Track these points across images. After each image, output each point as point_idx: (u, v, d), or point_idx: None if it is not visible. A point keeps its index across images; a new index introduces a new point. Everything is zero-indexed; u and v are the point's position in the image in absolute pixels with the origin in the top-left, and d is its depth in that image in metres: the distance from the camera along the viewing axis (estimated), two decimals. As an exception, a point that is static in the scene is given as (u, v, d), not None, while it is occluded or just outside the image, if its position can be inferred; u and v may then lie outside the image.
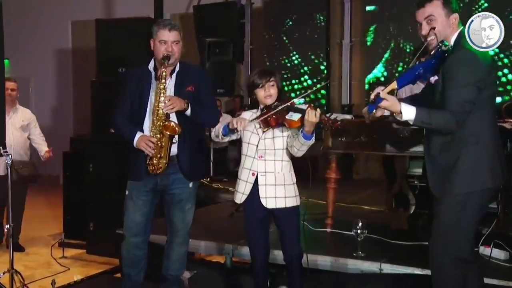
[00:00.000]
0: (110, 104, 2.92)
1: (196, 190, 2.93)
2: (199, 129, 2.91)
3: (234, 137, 2.57)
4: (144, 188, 2.79)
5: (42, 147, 4.81)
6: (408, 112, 2.16)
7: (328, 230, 3.71)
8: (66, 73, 8.91)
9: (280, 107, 2.46)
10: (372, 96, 2.15)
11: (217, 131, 2.62)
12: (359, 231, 3.06)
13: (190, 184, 2.85)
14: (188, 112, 2.71)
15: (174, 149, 2.74)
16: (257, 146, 2.54)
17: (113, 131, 2.97)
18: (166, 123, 2.66)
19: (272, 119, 2.47)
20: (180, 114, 2.71)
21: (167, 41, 2.69)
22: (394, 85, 2.17)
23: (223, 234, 3.66)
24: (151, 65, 2.79)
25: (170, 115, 2.69)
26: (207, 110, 2.80)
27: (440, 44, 2.18)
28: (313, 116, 2.33)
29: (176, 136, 2.71)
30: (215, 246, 3.46)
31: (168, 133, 2.66)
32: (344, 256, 3.09)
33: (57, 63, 9.04)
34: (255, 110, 2.64)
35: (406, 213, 3.69)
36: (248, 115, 2.63)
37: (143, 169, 2.74)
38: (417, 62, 2.19)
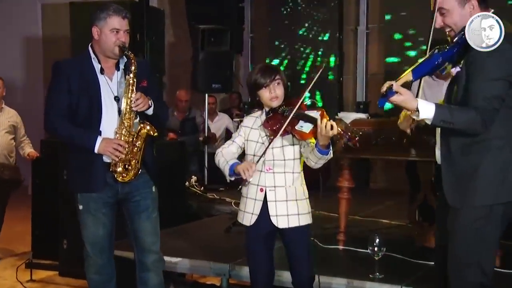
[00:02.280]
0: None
1: (158, 195, 2.95)
2: None
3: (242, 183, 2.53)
4: (103, 199, 2.80)
5: (27, 149, 4.94)
6: (426, 110, 2.14)
7: (341, 247, 3.72)
8: (36, 65, 8.93)
9: (289, 116, 2.44)
10: (384, 89, 2.14)
11: (218, 163, 2.60)
12: (376, 249, 3.07)
13: (153, 188, 2.89)
14: (151, 110, 2.75)
15: None
16: (261, 156, 2.54)
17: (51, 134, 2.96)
18: (143, 124, 2.72)
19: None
20: (141, 112, 2.76)
21: (120, 30, 2.71)
22: (408, 76, 2.16)
23: (219, 252, 3.67)
24: (93, 57, 2.79)
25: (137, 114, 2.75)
26: (163, 107, 2.87)
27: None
28: (325, 130, 2.32)
29: None
30: (210, 266, 3.47)
31: (147, 134, 2.72)
32: (359, 278, 3.10)
33: (25, 53, 9.06)
34: (258, 113, 2.65)
35: (432, 227, 3.69)
36: (250, 121, 2.64)
37: (101, 178, 2.75)
38: (436, 50, 2.19)
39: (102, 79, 2.76)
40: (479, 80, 2.14)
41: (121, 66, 2.78)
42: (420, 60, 2.23)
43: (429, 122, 2.18)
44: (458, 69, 2.21)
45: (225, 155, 2.60)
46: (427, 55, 2.23)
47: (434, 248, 2.59)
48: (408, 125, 2.37)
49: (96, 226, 2.82)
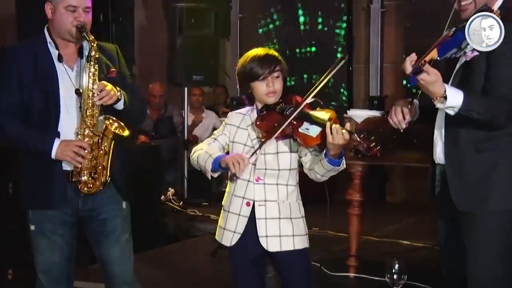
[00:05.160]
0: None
1: (130, 213, 2.93)
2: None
3: (229, 176, 2.50)
4: (60, 218, 2.76)
5: None
6: (454, 97, 2.22)
7: (351, 275, 3.72)
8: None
9: (291, 115, 2.41)
10: (409, 66, 2.20)
11: (197, 159, 2.58)
12: (395, 277, 3.04)
13: (124, 204, 2.86)
14: (121, 104, 2.73)
15: None
16: (254, 164, 2.53)
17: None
18: (110, 120, 2.68)
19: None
20: (109, 109, 2.72)
21: (78, 7, 2.69)
22: (434, 54, 2.23)
23: (203, 281, 3.67)
24: (49, 42, 2.77)
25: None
26: (137, 101, 2.84)
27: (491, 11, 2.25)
28: (339, 138, 2.30)
29: None
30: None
31: (115, 133, 2.68)
32: (374, 312, 3.12)
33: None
34: (246, 109, 2.63)
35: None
36: (237, 119, 2.62)
37: (60, 191, 2.72)
38: (453, 29, 2.28)
39: (60, 68, 2.73)
40: (504, 66, 2.25)
41: (85, 53, 2.74)
42: (442, 37, 2.31)
43: (452, 112, 2.24)
44: (475, 53, 2.28)
45: (207, 151, 2.58)
46: (446, 33, 2.32)
47: (444, 271, 2.63)
48: (404, 120, 2.41)
49: (51, 250, 2.78)
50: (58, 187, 2.71)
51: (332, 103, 7.22)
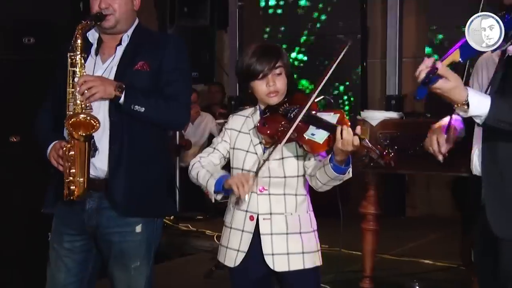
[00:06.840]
0: (11, 96, 2.91)
1: (155, 236, 2.88)
2: (153, 131, 2.85)
3: (234, 200, 2.51)
4: (64, 228, 2.80)
5: None
6: (479, 104, 2.15)
7: (366, 298, 3.73)
8: None
9: (296, 119, 2.42)
10: (422, 73, 2.14)
11: (197, 177, 2.57)
12: (416, 301, 3.07)
13: (138, 228, 2.81)
14: (122, 100, 2.70)
15: (104, 167, 2.73)
16: (257, 172, 2.53)
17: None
18: (73, 119, 2.63)
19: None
20: (114, 105, 2.72)
21: None
22: (455, 55, 2.19)
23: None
24: (91, 33, 2.84)
25: (93, 106, 2.70)
26: (166, 100, 2.77)
27: None
28: (348, 143, 2.28)
29: (107, 143, 2.70)
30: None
31: (82, 134, 2.63)
32: None
33: None
34: (248, 111, 2.64)
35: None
36: (238, 122, 2.63)
37: (52, 193, 2.82)
38: None
39: (92, 62, 2.80)
40: None
41: (124, 44, 2.80)
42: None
43: (479, 121, 2.19)
44: None
45: (206, 166, 2.58)
46: None
47: None
48: (438, 149, 2.41)
49: (57, 266, 2.82)
50: (50, 189, 2.84)
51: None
